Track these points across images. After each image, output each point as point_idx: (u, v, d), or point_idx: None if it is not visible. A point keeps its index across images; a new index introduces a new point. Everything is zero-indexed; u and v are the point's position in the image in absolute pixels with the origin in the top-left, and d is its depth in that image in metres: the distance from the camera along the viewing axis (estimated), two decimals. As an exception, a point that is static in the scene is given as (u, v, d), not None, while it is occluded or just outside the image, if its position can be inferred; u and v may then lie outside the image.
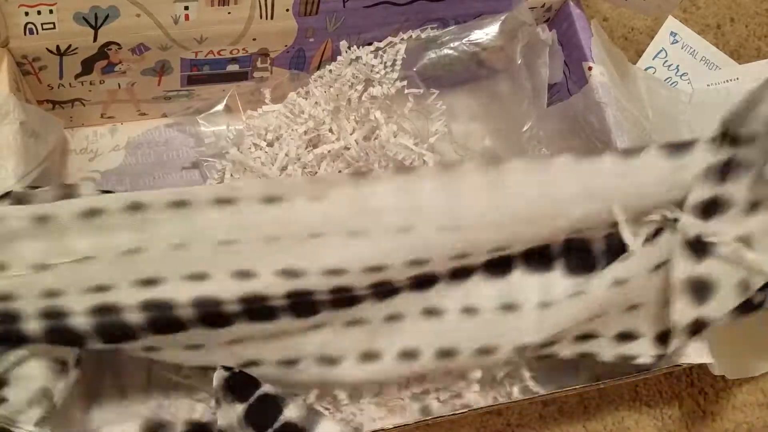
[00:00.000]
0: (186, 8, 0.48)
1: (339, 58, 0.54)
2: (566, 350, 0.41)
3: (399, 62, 0.53)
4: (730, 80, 0.65)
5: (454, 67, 0.55)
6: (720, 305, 0.39)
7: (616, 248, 0.40)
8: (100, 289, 0.36)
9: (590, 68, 0.53)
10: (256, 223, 0.37)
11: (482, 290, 0.41)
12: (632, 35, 0.68)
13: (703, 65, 0.65)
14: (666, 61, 0.64)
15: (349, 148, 0.52)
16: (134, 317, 0.35)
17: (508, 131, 0.57)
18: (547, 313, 0.40)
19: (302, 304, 0.37)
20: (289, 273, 0.36)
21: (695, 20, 0.69)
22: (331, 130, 0.53)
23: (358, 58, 0.53)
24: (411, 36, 0.54)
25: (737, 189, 0.38)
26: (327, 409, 0.41)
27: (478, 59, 0.55)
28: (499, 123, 0.59)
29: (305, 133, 0.52)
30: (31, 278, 0.36)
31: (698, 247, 0.39)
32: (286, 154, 0.51)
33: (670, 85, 0.63)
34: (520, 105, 0.55)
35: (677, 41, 0.65)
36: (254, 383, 0.39)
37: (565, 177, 0.39)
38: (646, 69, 0.64)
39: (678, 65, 0.64)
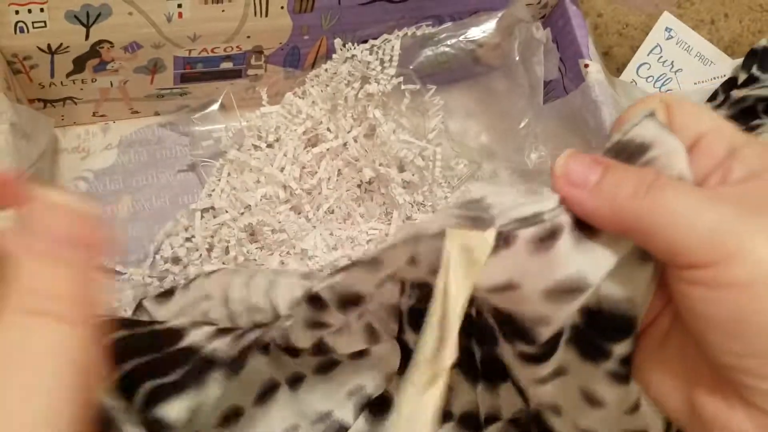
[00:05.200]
0: (179, 6, 0.48)
1: (334, 56, 0.54)
2: None
3: (395, 59, 0.53)
4: (717, 77, 0.65)
5: (450, 64, 0.55)
6: None
7: None
8: None
9: (586, 65, 0.53)
10: None
11: None
12: (627, 31, 0.68)
13: (698, 61, 0.65)
14: (661, 56, 0.64)
15: (347, 147, 0.52)
16: None
17: (505, 128, 0.57)
18: None
19: None
20: None
21: (689, 15, 0.69)
22: (329, 129, 0.53)
23: (353, 55, 0.53)
24: (407, 33, 0.54)
25: None
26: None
27: (474, 56, 0.55)
28: (495, 120, 0.58)
29: (304, 133, 0.52)
30: None
31: None
32: (285, 155, 0.51)
33: (666, 81, 0.63)
34: (516, 102, 0.55)
35: (672, 37, 0.65)
36: None
37: None
38: (641, 65, 0.64)
39: (673, 61, 0.64)
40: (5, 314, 0.19)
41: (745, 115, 0.57)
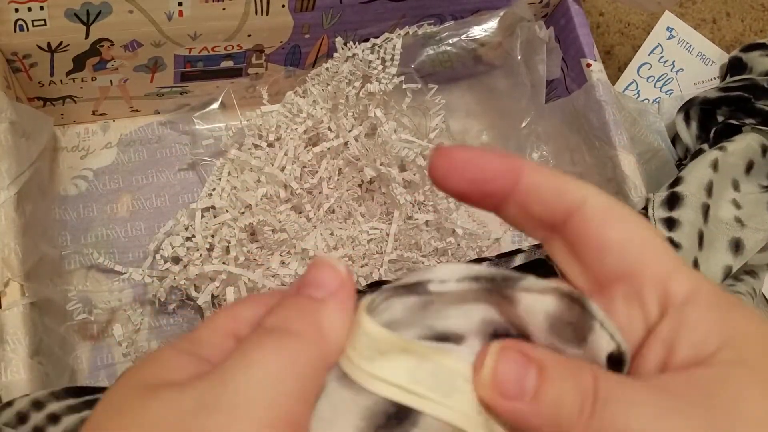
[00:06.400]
0: (180, 4, 0.47)
1: (335, 54, 0.53)
2: None
3: (397, 58, 0.52)
4: (717, 78, 0.65)
5: (452, 63, 0.55)
6: None
7: None
8: None
9: (589, 65, 0.53)
10: None
11: None
12: (628, 30, 0.67)
13: (699, 60, 0.65)
14: (662, 56, 0.64)
15: (348, 146, 0.52)
16: None
17: (506, 127, 0.57)
18: None
19: None
20: None
21: (691, 15, 0.69)
22: (329, 128, 0.53)
23: (354, 54, 0.53)
24: (408, 32, 0.54)
25: None
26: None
27: (476, 55, 0.55)
28: (497, 119, 0.58)
29: (304, 132, 0.52)
30: None
31: None
32: (285, 154, 0.51)
33: (667, 81, 0.63)
34: (518, 101, 0.55)
35: (673, 36, 0.64)
36: None
37: None
38: (641, 65, 0.64)
39: (674, 61, 0.64)
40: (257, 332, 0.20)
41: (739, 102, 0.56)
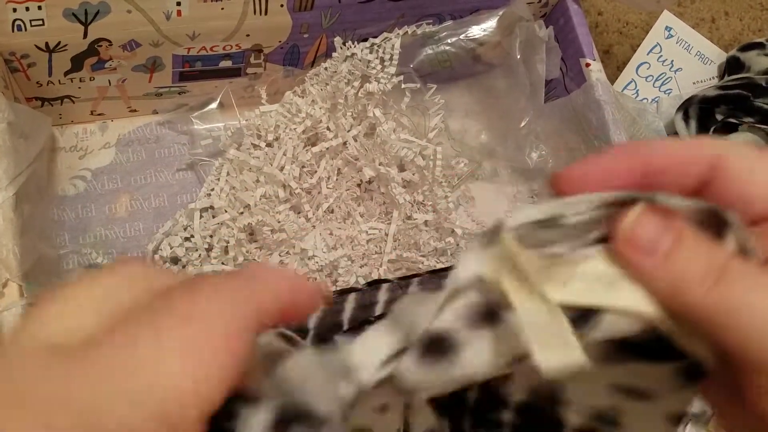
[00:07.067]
0: (178, 4, 0.47)
1: (334, 54, 0.53)
2: None
3: (395, 57, 0.52)
4: (716, 77, 0.65)
5: (451, 63, 0.54)
6: None
7: None
8: None
9: (588, 65, 0.53)
10: None
11: None
12: (627, 29, 0.67)
13: (698, 60, 0.65)
14: (660, 56, 0.64)
15: (347, 146, 0.52)
16: None
17: (505, 127, 0.57)
18: None
19: None
20: None
21: (690, 14, 0.69)
22: (328, 128, 0.52)
23: (353, 54, 0.52)
24: (407, 32, 0.54)
25: None
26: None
27: (474, 55, 0.55)
28: (496, 119, 0.58)
29: (303, 132, 0.52)
30: None
31: None
32: (284, 154, 0.51)
33: (665, 81, 0.63)
34: (517, 101, 0.55)
35: (672, 36, 0.64)
36: None
37: None
38: (640, 64, 0.64)
39: (672, 60, 0.64)
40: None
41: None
